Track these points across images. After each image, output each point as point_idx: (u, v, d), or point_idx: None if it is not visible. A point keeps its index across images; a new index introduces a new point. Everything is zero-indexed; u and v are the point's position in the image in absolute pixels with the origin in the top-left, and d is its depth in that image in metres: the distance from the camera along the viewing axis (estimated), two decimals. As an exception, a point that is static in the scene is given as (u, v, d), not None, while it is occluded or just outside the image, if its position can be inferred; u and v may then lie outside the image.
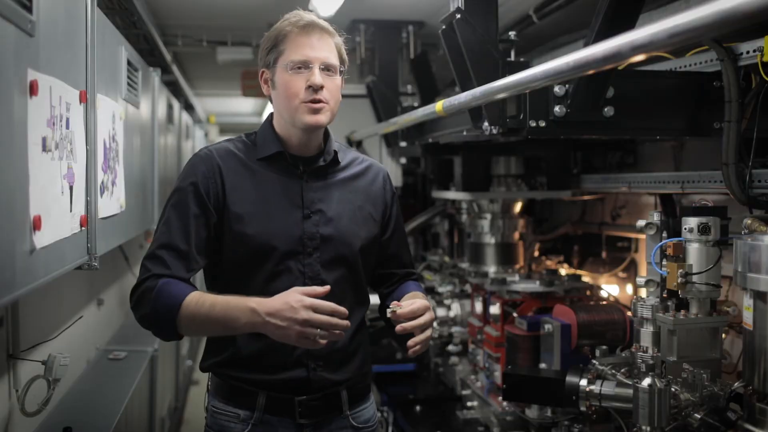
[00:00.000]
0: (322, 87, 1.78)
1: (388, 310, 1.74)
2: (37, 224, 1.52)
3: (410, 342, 1.73)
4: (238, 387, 1.85)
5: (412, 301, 1.77)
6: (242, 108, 9.10)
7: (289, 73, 1.79)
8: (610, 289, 3.19)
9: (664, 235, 2.13)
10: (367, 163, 2.02)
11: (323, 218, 1.86)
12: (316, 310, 1.60)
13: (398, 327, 1.71)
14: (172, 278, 1.73)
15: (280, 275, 1.82)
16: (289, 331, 1.60)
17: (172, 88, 5.18)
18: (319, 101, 1.79)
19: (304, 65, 1.79)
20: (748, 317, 1.84)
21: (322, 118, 1.81)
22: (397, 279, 2.07)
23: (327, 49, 1.82)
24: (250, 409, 1.85)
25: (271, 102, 1.91)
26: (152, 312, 1.70)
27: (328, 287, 1.66)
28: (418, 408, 3.29)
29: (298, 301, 1.60)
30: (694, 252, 2.03)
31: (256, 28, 4.28)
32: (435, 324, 3.53)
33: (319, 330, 1.60)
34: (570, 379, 2.17)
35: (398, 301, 1.81)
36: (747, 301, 1.84)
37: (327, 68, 1.81)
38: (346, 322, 1.63)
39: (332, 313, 1.61)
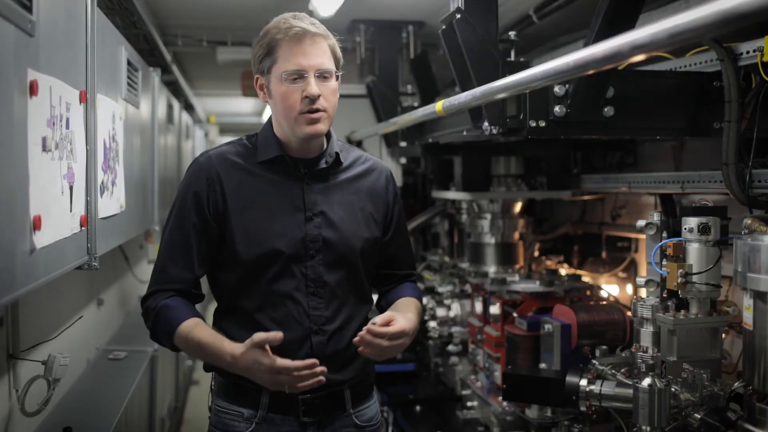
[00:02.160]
0: (318, 96, 1.77)
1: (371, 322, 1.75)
2: (37, 224, 1.52)
3: (359, 337, 1.72)
4: (242, 386, 1.85)
5: (391, 319, 1.76)
6: (242, 108, 9.10)
7: (284, 84, 1.78)
8: (610, 289, 3.19)
9: (664, 235, 2.12)
10: (370, 162, 2.01)
11: (325, 220, 1.86)
12: (275, 371, 1.64)
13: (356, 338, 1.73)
14: (176, 293, 1.83)
15: (282, 278, 1.82)
16: (262, 383, 1.72)
17: (172, 88, 5.18)
18: (317, 110, 1.78)
19: (299, 75, 1.77)
20: (748, 317, 1.84)
21: (320, 127, 1.80)
22: (396, 279, 2.07)
23: (320, 54, 1.79)
24: (254, 408, 1.85)
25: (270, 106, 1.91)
26: (153, 330, 1.85)
27: (280, 335, 1.65)
28: (418, 408, 3.29)
29: (258, 365, 1.65)
30: (694, 252, 2.02)
31: (256, 28, 4.23)
32: (435, 324, 3.53)
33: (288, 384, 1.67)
34: (570, 379, 2.17)
35: (391, 306, 1.90)
36: (747, 301, 1.84)
37: (322, 75, 1.79)
38: (312, 372, 1.65)
39: (302, 368, 1.64)
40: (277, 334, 1.65)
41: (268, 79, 1.84)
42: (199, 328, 1.77)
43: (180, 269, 1.83)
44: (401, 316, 1.78)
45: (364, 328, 1.73)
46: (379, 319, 1.74)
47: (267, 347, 1.65)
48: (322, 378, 1.67)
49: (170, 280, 1.83)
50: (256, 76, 1.89)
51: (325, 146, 1.92)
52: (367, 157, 2.02)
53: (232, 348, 1.70)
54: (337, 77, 1.84)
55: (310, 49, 1.78)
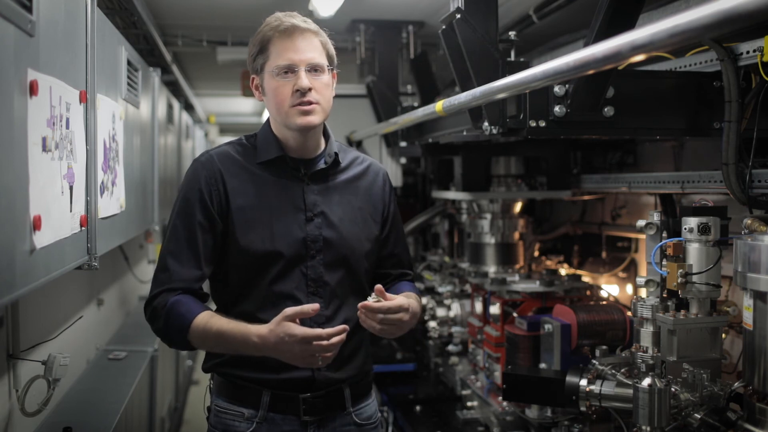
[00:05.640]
0: (309, 89, 1.79)
1: (370, 298, 1.75)
2: (37, 224, 1.52)
3: (364, 309, 1.72)
4: (242, 386, 1.86)
5: (391, 298, 1.77)
6: (242, 108, 9.10)
7: (276, 79, 1.80)
8: (610, 289, 3.19)
9: (664, 235, 2.12)
10: (367, 163, 2.02)
11: (325, 221, 1.87)
12: (307, 341, 1.64)
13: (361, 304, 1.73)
14: (183, 292, 1.78)
15: (283, 277, 1.83)
16: (292, 360, 1.70)
17: (172, 88, 5.18)
18: (309, 102, 1.79)
19: (290, 69, 1.79)
20: (748, 317, 1.84)
21: (313, 118, 1.81)
22: (391, 279, 2.07)
23: (311, 49, 1.81)
24: (254, 408, 1.85)
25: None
26: (164, 330, 1.78)
27: (317, 306, 1.68)
28: (418, 408, 3.28)
29: (290, 337, 1.64)
30: (694, 252, 2.02)
31: (256, 28, 4.27)
32: (435, 324, 3.53)
33: (319, 354, 1.66)
34: (570, 379, 2.17)
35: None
36: (747, 301, 1.84)
37: (314, 69, 1.81)
38: (339, 338, 1.66)
39: (328, 337, 1.65)
40: (312, 306, 1.67)
41: (262, 77, 1.86)
42: (215, 317, 1.76)
43: (186, 268, 1.80)
44: (400, 295, 1.82)
45: (360, 304, 1.74)
46: (375, 295, 1.76)
47: (297, 321, 1.67)
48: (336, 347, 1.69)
49: (177, 280, 1.79)
50: (252, 76, 1.90)
51: (323, 147, 1.93)
52: (364, 157, 2.04)
53: (258, 328, 1.69)
54: (330, 70, 1.85)
55: (301, 44, 1.80)
